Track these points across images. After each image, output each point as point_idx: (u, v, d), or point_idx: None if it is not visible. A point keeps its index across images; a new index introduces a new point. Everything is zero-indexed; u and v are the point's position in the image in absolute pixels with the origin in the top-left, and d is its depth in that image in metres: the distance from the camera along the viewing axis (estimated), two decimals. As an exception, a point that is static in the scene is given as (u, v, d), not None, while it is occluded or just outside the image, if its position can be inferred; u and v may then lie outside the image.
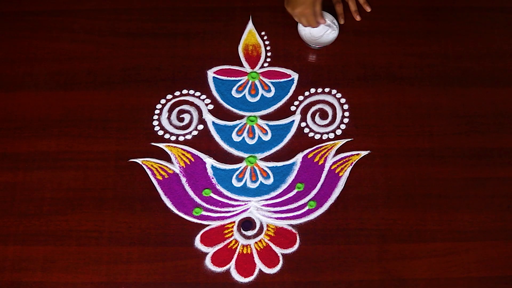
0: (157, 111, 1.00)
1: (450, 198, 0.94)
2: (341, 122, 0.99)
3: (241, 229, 0.92)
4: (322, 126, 0.99)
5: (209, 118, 1.00)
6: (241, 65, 1.04)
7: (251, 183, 0.95)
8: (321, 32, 1.03)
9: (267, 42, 1.05)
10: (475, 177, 0.96)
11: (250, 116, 1.00)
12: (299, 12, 0.98)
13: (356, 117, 0.99)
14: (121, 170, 0.95)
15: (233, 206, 0.94)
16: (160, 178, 0.95)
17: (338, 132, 0.98)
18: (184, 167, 0.96)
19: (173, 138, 0.98)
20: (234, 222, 0.93)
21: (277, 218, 0.93)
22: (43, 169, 0.96)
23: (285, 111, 1.00)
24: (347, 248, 0.91)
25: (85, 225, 0.92)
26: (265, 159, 0.97)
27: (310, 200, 0.94)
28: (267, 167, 0.96)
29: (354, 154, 0.97)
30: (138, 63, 1.03)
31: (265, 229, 0.92)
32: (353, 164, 0.96)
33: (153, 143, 0.97)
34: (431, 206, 0.94)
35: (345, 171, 0.96)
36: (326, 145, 0.97)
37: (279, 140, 0.98)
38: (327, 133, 0.98)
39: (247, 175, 0.96)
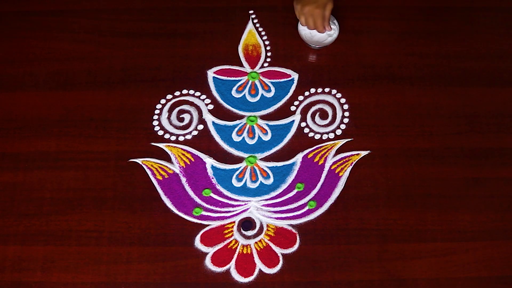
0: (157, 111, 1.00)
1: (450, 198, 0.94)
2: (341, 122, 0.99)
3: (241, 229, 0.92)
4: (322, 126, 0.99)
5: (209, 118, 1.00)
6: (241, 65, 1.04)
7: (251, 183, 0.95)
8: (322, 33, 1.03)
9: (267, 42, 1.05)
10: (475, 177, 0.96)
11: (250, 116, 1.00)
12: (309, 11, 0.97)
13: (356, 117, 0.99)
14: (121, 170, 0.95)
15: (233, 206, 0.94)
16: (160, 178, 0.95)
17: (338, 132, 0.98)
18: (184, 167, 0.96)
19: (173, 138, 0.98)
20: (234, 222, 0.93)
21: (277, 218, 0.93)
22: (43, 169, 0.96)
23: (285, 111, 1.00)
24: (347, 248, 0.91)
25: (85, 225, 0.92)
26: (265, 159, 0.97)
27: (310, 200, 0.94)
28: (267, 167, 0.96)
29: (354, 154, 0.97)
30: (138, 63, 1.03)
31: (265, 229, 0.92)
32: (353, 164, 0.96)
33: (153, 143, 0.97)
34: (431, 206, 0.94)
35: (345, 171, 0.96)
36: (326, 145, 0.97)
37: (279, 140, 0.98)
38: (327, 133, 0.98)
39: (247, 175, 0.96)
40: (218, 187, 0.95)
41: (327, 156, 0.97)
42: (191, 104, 1.01)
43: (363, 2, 1.08)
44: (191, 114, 1.00)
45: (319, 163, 0.96)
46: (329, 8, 0.97)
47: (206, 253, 0.90)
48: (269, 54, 1.04)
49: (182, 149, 0.97)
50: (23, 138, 0.98)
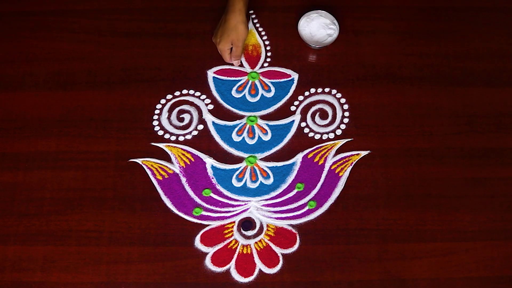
0: (157, 111, 1.00)
1: (450, 198, 0.94)
2: (341, 122, 0.99)
3: (241, 229, 0.92)
4: (322, 126, 0.99)
5: (209, 118, 1.00)
6: (241, 65, 1.04)
7: (251, 183, 0.95)
8: (322, 33, 1.03)
9: (267, 42, 1.05)
10: (475, 177, 0.96)
11: (250, 116, 1.00)
12: (220, 50, 1.00)
13: (356, 117, 0.99)
14: (121, 170, 0.95)
15: (233, 206, 0.94)
16: (160, 178, 0.95)
17: (338, 132, 0.98)
18: (184, 167, 0.96)
19: (173, 138, 0.98)
20: (234, 222, 0.93)
21: (277, 218, 0.93)
22: (43, 169, 0.96)
23: (285, 111, 1.00)
24: (347, 248, 0.91)
25: (85, 225, 0.92)
26: (265, 159, 0.97)
27: (310, 200, 0.94)
28: (267, 167, 0.96)
29: (354, 154, 0.97)
30: (138, 63, 1.03)
31: (265, 229, 0.92)
32: (353, 164, 0.96)
33: (153, 143, 0.97)
34: (431, 206, 0.94)
35: (345, 171, 0.95)
36: (326, 145, 0.97)
37: (279, 140, 0.98)
38: (327, 133, 0.98)
39: (247, 175, 0.96)
40: (218, 187, 0.95)
41: (327, 156, 0.97)
42: (191, 104, 1.01)
43: (363, 2, 1.08)
44: (191, 114, 1.00)
45: (319, 163, 0.96)
46: (238, 45, 0.99)
47: (206, 253, 0.90)
48: (269, 54, 1.04)
49: (182, 149, 0.97)
50: (23, 138, 0.98)
